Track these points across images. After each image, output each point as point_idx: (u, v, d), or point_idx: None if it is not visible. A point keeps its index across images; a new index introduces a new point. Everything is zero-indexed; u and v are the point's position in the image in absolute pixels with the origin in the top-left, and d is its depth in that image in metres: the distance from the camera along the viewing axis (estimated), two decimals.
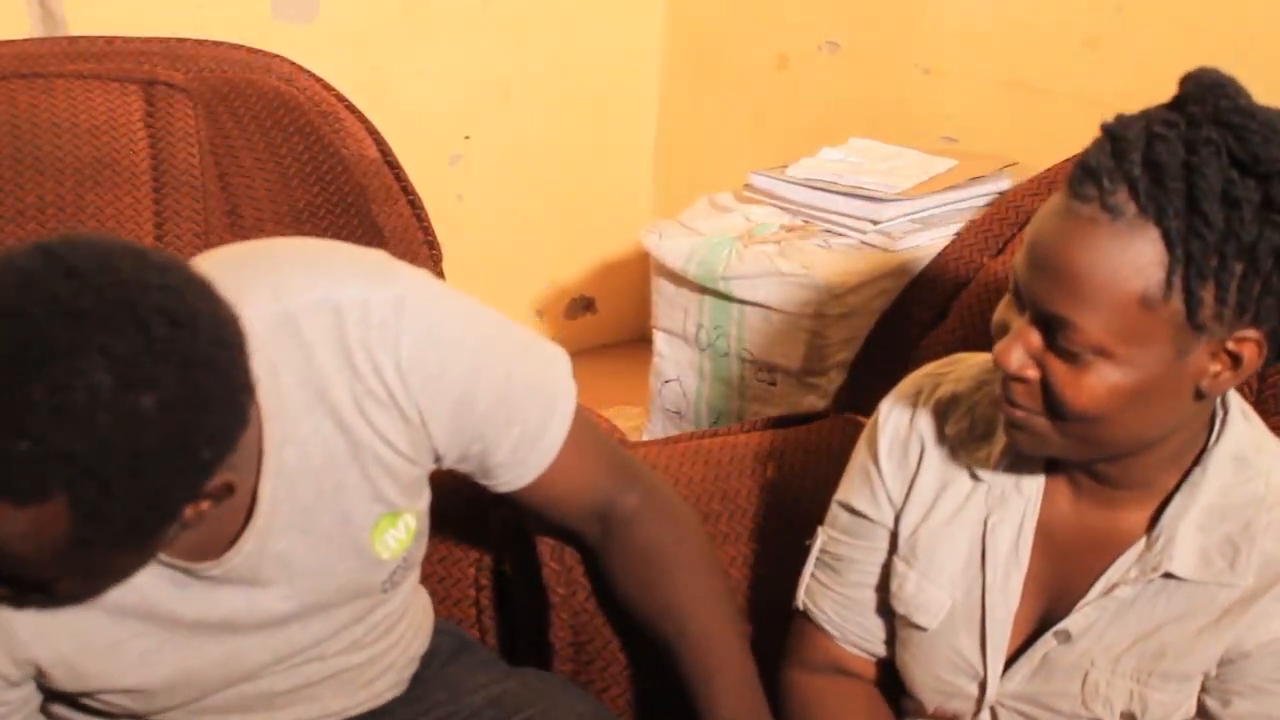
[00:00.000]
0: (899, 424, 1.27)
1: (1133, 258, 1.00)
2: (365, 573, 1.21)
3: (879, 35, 2.87)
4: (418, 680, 1.37)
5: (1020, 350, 1.07)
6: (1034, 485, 1.20)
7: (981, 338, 1.71)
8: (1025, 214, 1.81)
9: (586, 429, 1.29)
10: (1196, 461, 1.14)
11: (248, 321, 1.01)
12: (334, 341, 1.10)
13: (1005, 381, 1.10)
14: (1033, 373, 1.07)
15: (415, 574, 1.32)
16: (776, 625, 1.56)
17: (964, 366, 1.28)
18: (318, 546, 1.16)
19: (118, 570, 1.04)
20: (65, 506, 0.90)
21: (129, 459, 0.90)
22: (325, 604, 1.20)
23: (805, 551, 1.36)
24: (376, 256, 1.19)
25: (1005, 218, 1.86)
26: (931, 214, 2.29)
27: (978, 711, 1.24)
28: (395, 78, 2.98)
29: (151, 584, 1.11)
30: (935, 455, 1.24)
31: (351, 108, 1.89)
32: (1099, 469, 1.16)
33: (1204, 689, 1.17)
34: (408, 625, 1.35)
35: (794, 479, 1.66)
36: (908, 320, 1.95)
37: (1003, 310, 1.12)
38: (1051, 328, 1.05)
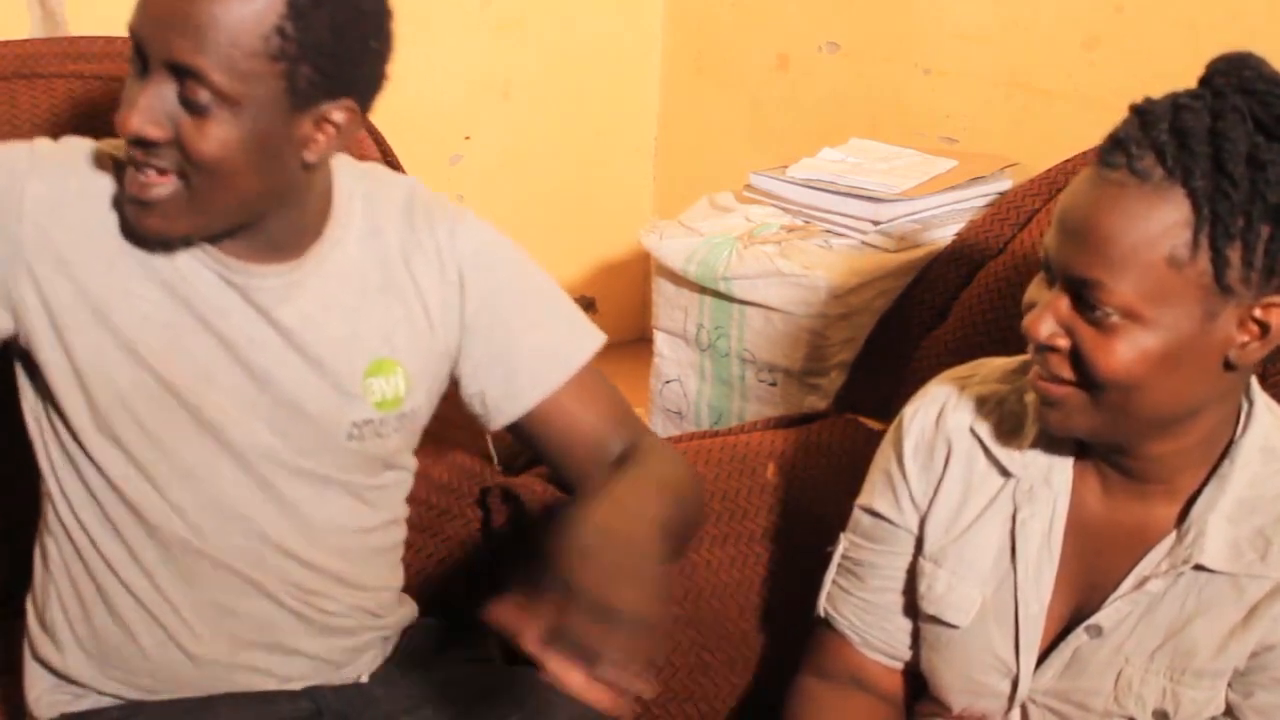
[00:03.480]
0: (924, 426, 1.27)
1: (1160, 218, 1.03)
2: (340, 404, 1.25)
3: (879, 35, 2.87)
4: (405, 674, 1.37)
5: (1050, 319, 1.09)
6: (1063, 480, 1.20)
7: (981, 338, 1.72)
8: (1025, 214, 1.82)
9: (601, 378, 1.36)
10: (1224, 455, 1.15)
11: (341, 165, 1.26)
12: (401, 204, 1.28)
13: (1038, 355, 1.11)
14: (1063, 341, 1.09)
15: (398, 485, 1.36)
16: (776, 625, 1.57)
17: (989, 369, 1.29)
18: (321, 343, 1.23)
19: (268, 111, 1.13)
20: None
21: None
22: (295, 421, 1.24)
23: (826, 558, 1.35)
24: None
25: (1005, 218, 1.86)
26: (931, 214, 2.28)
27: (1008, 710, 1.24)
28: (395, 78, 2.98)
29: (190, 267, 1.20)
30: (962, 454, 1.25)
31: None
32: (1126, 462, 1.16)
33: (1228, 684, 1.17)
34: (388, 569, 1.37)
35: (794, 479, 1.66)
36: (908, 320, 1.95)
37: (1032, 289, 1.13)
38: (1081, 293, 1.06)
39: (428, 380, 1.30)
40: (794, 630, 1.56)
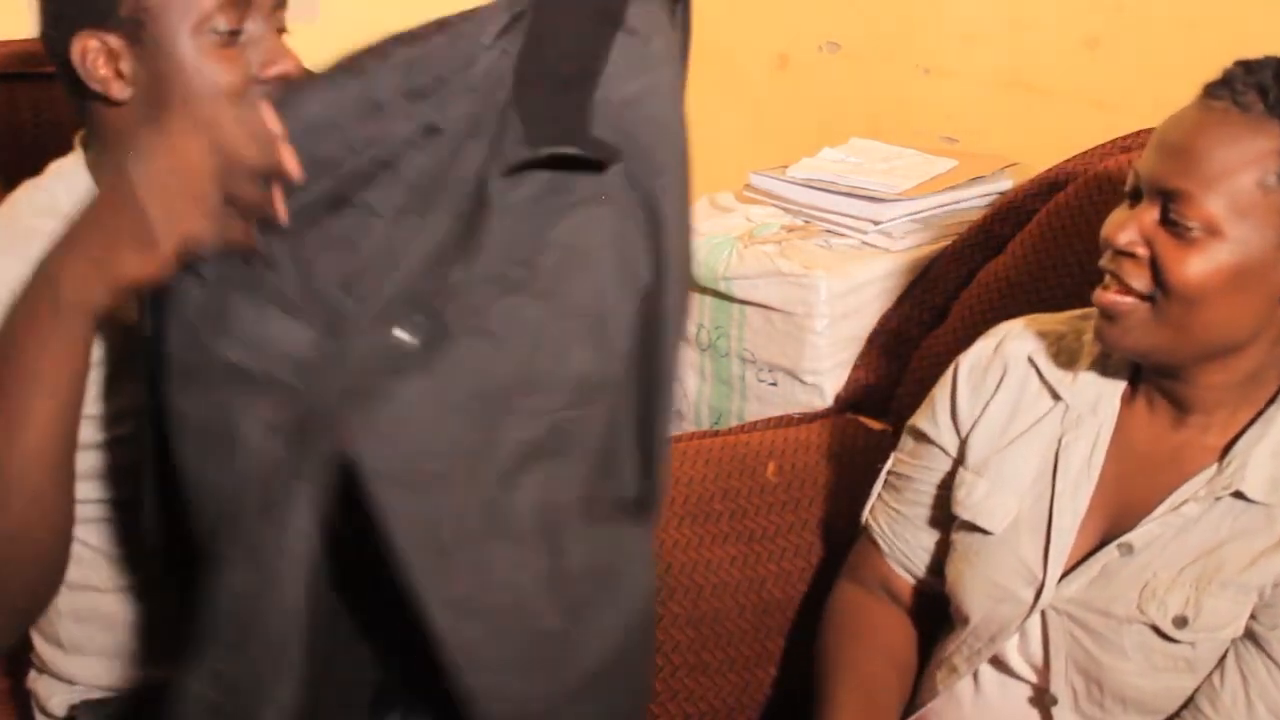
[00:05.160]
0: (982, 352, 1.37)
1: (1255, 145, 1.13)
2: None
3: (879, 35, 2.86)
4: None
5: (1133, 228, 1.17)
6: (1110, 410, 1.28)
7: None
8: (1025, 214, 1.81)
9: None
10: (1272, 401, 1.22)
11: None
12: None
13: (1111, 264, 1.19)
14: (1142, 250, 1.17)
15: None
16: (776, 624, 1.57)
17: (1048, 316, 1.38)
18: None
19: None
20: None
21: None
22: None
23: (874, 473, 1.46)
24: None
25: (1005, 218, 1.86)
26: (931, 214, 2.28)
27: (1027, 616, 1.28)
28: None
29: None
30: (1017, 378, 1.33)
31: None
32: (1177, 389, 1.23)
33: (1252, 614, 1.20)
34: None
35: (794, 479, 1.66)
36: (908, 320, 1.95)
37: (1113, 214, 1.21)
38: (1167, 204, 1.16)
39: None
40: (793, 629, 1.56)
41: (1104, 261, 1.20)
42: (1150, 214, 1.17)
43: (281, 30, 1.18)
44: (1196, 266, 1.14)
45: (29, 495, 0.99)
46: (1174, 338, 1.18)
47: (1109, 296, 1.19)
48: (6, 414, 0.97)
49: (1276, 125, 1.13)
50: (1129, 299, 1.18)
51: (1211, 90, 1.17)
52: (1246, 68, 1.17)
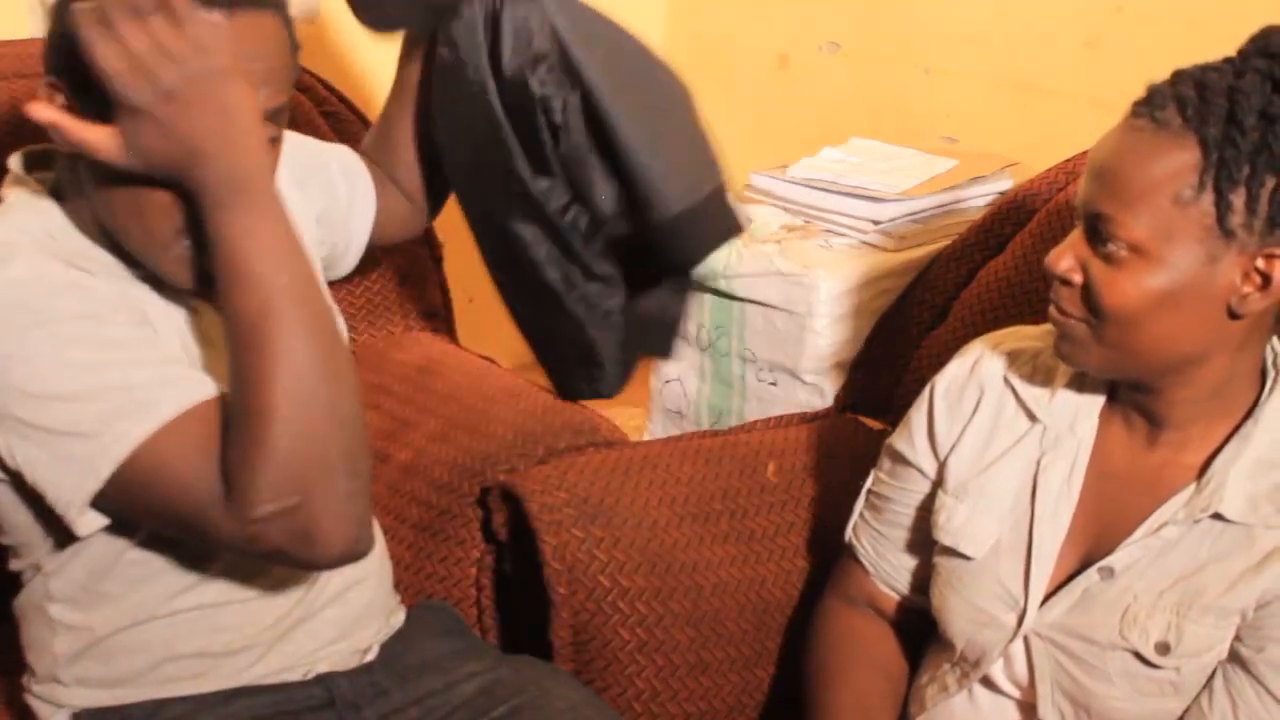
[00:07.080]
0: (958, 372, 1.35)
1: (1171, 160, 1.11)
2: None
3: (880, 35, 2.86)
4: (409, 659, 1.38)
5: (1070, 255, 1.17)
6: (1087, 428, 1.27)
7: None
8: (1026, 214, 1.81)
9: None
10: (1248, 416, 1.20)
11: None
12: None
13: (1053, 289, 1.19)
14: (1077, 276, 1.17)
15: None
16: (776, 624, 1.57)
17: (1023, 331, 1.37)
18: None
19: None
20: None
21: None
22: None
23: (856, 492, 1.45)
24: None
25: (1006, 217, 1.85)
26: (931, 214, 2.28)
27: (1010, 640, 1.27)
28: None
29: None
30: (993, 399, 1.32)
31: (352, 108, 1.89)
32: (1148, 404, 1.22)
33: (1238, 636, 1.19)
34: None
35: (794, 479, 1.66)
36: (908, 320, 1.95)
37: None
38: (1096, 228, 1.15)
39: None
40: (793, 629, 1.56)
41: (1050, 290, 1.21)
42: (1083, 239, 1.16)
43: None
44: (1125, 289, 1.13)
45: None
46: (1119, 356, 1.18)
47: (1054, 316, 1.20)
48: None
49: (1193, 138, 1.11)
50: (1070, 320, 1.18)
51: (1135, 108, 1.15)
52: (1172, 79, 1.15)
